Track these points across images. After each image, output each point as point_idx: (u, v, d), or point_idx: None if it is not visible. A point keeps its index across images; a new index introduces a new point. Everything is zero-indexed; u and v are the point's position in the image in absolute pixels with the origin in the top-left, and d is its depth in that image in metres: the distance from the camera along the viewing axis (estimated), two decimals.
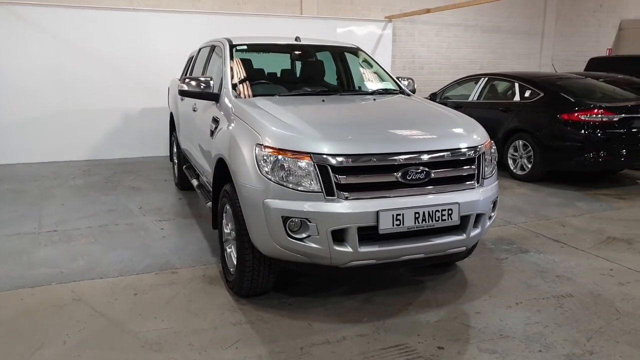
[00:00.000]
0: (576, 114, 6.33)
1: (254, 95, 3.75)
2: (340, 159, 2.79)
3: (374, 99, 3.92)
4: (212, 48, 4.79)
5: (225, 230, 3.52)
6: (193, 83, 3.90)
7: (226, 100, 3.75)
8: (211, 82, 3.90)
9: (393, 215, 2.80)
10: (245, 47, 4.33)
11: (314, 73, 4.41)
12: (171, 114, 6.33)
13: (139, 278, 3.71)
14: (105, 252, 4.20)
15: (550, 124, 6.59)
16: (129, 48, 8.25)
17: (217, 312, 3.19)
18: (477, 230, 3.13)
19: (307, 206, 2.77)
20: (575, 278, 3.74)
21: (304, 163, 2.79)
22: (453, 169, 3.02)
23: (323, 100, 3.83)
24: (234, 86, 3.85)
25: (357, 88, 4.40)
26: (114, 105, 8.38)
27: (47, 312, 3.19)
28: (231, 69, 4.00)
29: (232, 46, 4.25)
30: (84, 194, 6.07)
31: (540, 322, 3.08)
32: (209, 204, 4.15)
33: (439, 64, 11.00)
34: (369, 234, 2.83)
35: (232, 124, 3.40)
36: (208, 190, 4.44)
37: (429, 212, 2.88)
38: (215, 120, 3.76)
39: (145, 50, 8.34)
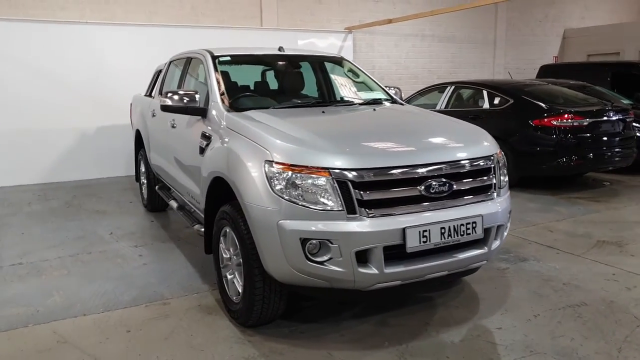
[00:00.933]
0: (547, 119, 6.45)
1: (246, 109, 3.50)
2: (361, 173, 2.60)
3: (374, 109, 3.77)
4: (188, 61, 4.50)
5: (225, 255, 3.24)
6: (176, 97, 3.62)
7: (216, 115, 3.49)
8: (197, 96, 3.62)
9: (420, 231, 2.63)
10: (228, 58, 4.08)
11: (301, 84, 4.22)
12: (137, 131, 5.94)
13: (127, 312, 3.35)
14: (82, 284, 3.80)
15: (521, 130, 6.69)
16: (81, 64, 7.74)
17: (224, 347, 2.91)
18: (497, 243, 3.02)
19: (328, 226, 2.56)
20: (582, 285, 3.71)
21: (322, 179, 2.58)
22: (473, 180, 2.90)
23: (323, 112, 3.64)
24: (223, 100, 3.59)
25: (348, 98, 4.23)
26: (67, 125, 7.82)
27: (33, 359, 2.80)
28: (217, 81, 3.74)
29: (214, 57, 3.99)
30: (45, 221, 5.56)
31: (565, 335, 3.00)
32: (197, 226, 3.86)
33: (399, 74, 11.07)
34: (392, 253, 2.65)
35: (229, 140, 3.14)
36: (192, 212, 4.15)
37: (454, 226, 2.74)
38: (206, 137, 3.48)
39: (99, 65, 7.86)
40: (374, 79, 4.42)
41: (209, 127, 3.49)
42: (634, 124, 7.27)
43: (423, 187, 2.70)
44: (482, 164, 2.95)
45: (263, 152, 2.77)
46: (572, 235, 4.87)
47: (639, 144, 7.22)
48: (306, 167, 2.61)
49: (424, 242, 2.65)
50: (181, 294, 3.63)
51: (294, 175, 2.61)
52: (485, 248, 2.93)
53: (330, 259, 2.58)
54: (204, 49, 4.18)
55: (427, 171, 2.73)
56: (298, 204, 2.59)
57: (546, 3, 13.04)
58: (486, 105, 7.30)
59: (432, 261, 2.74)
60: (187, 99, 3.61)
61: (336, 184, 2.58)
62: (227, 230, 3.13)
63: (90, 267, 4.16)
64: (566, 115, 6.41)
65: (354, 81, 4.36)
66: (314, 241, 2.57)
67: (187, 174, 3.98)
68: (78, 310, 3.39)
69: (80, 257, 4.42)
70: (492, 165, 3.01)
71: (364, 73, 4.44)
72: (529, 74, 12.27)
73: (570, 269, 4.01)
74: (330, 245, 2.56)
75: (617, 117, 6.83)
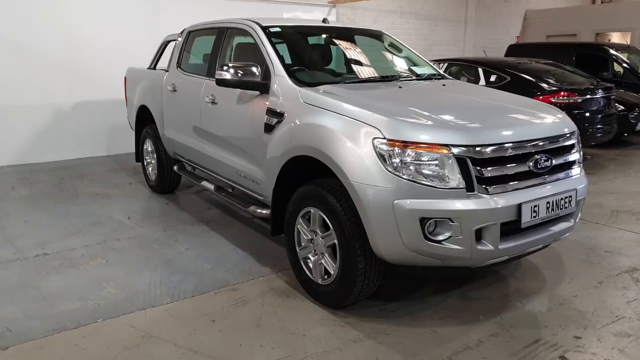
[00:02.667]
0: (544, 97, 6.67)
1: (316, 84, 3.35)
2: (480, 149, 2.57)
3: (443, 84, 3.72)
4: (222, 32, 4.23)
5: (305, 237, 3.12)
6: (235, 71, 3.40)
7: (285, 90, 3.31)
8: (257, 70, 3.42)
9: (531, 207, 2.66)
10: (278, 29, 3.87)
11: (354, 58, 4.08)
12: (141, 108, 5.55)
13: (199, 301, 3.17)
14: (130, 274, 3.55)
15: None
16: (56, 35, 7.09)
17: (325, 330, 2.82)
18: (579, 215, 3.11)
19: (449, 204, 2.51)
20: (623, 252, 3.92)
21: (442, 156, 2.53)
22: (566, 154, 2.95)
23: (400, 87, 3.54)
24: (290, 74, 3.41)
25: (405, 73, 4.10)
26: (41, 101, 7.18)
27: (124, 356, 2.58)
28: (278, 54, 3.55)
29: (264, 29, 3.77)
30: (44, 207, 5.12)
31: (638, 299, 3.16)
32: (252, 208, 3.71)
33: None
34: (503, 229, 2.65)
35: (314, 117, 2.99)
36: (241, 194, 3.95)
37: (556, 200, 2.78)
38: (276, 113, 3.30)
39: (75, 37, 7.23)
40: (417, 53, 4.36)
41: (279, 103, 3.31)
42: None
43: (532, 163, 2.71)
44: (570, 138, 3.01)
45: (370, 129, 2.66)
46: (587, 205, 5.11)
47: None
48: (424, 143, 2.54)
49: (534, 217, 2.68)
50: (245, 278, 3.48)
51: (411, 153, 2.54)
52: (572, 220, 3.01)
53: (450, 237, 2.54)
54: (247, 19, 3.95)
55: (534, 147, 2.75)
56: (416, 183, 2.52)
57: None
58: (482, 82, 7.43)
59: (535, 235, 2.78)
60: (247, 73, 3.40)
61: (455, 161, 2.53)
62: (312, 211, 3.01)
63: (128, 255, 3.89)
64: (562, 93, 6.67)
65: (398, 55, 4.27)
66: (434, 220, 2.52)
67: (238, 154, 3.78)
68: (143, 301, 3.16)
69: (110, 244, 4.11)
70: (576, 140, 3.07)
71: (407, 47, 4.37)
72: (495, 52, 12.64)
73: (603, 237, 4.23)
74: (451, 223, 2.52)
75: (602, 95, 7.19)
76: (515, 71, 7.18)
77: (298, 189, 3.16)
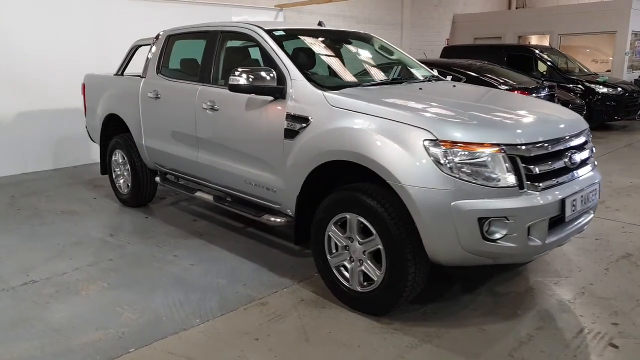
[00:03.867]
0: None
1: (335, 87, 3.28)
2: (528, 147, 2.64)
3: (454, 85, 3.78)
4: (216, 36, 4.02)
5: (341, 243, 3.04)
6: (248, 76, 3.26)
7: (306, 94, 3.22)
8: (272, 75, 3.30)
9: (571, 201, 2.77)
10: (282, 33, 3.75)
11: (358, 61, 4.04)
12: (109, 117, 5.16)
13: (232, 319, 2.99)
14: (142, 296, 3.28)
15: None
16: None
17: (377, 339, 2.77)
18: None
19: (505, 203, 2.56)
20: (610, 239, 4.21)
21: (495, 155, 2.57)
22: (587, 149, 3.11)
23: (420, 89, 3.55)
24: (308, 78, 3.32)
25: (411, 75, 4.10)
26: None
27: None
28: (290, 58, 3.44)
29: (269, 32, 3.65)
30: (5, 229, 4.60)
31: None
32: (266, 217, 3.58)
33: None
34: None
35: (349, 120, 2.92)
36: (254, 202, 3.75)
37: (587, 194, 2.93)
38: (299, 118, 3.19)
39: (12, 42, 6.59)
40: (408, 55, 4.41)
41: (301, 108, 3.20)
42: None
43: (567, 159, 2.83)
44: (588, 134, 3.18)
45: (419, 131, 2.65)
46: None
47: None
48: (477, 143, 2.57)
49: (573, 210, 2.80)
50: (268, 291, 3.33)
51: (465, 153, 2.56)
52: (592, 212, 3.18)
53: (505, 235, 2.58)
54: (247, 23, 3.80)
55: (567, 143, 2.87)
56: (472, 183, 2.55)
57: None
58: None
59: (570, 228, 2.90)
60: (262, 77, 3.27)
61: (508, 160, 2.58)
62: (348, 217, 2.94)
63: (129, 276, 3.59)
64: (516, 91, 7.07)
65: (393, 57, 4.29)
66: (491, 219, 2.56)
67: (248, 161, 3.61)
68: (170, 325, 2.93)
69: (103, 265, 3.78)
70: (590, 136, 3.25)
71: (398, 50, 4.41)
72: (430, 54, 13.16)
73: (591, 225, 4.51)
74: (507, 222, 2.56)
75: (547, 93, 7.73)
76: (469, 71, 7.52)
77: (328, 195, 3.08)
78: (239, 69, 3.32)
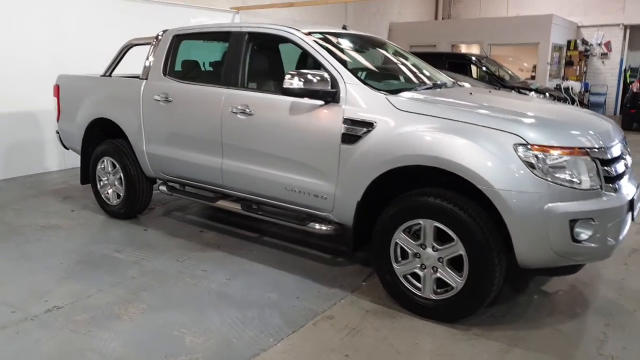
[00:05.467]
0: None
1: (392, 91, 3.23)
2: (605, 151, 2.77)
3: (490, 91, 3.85)
4: (241, 38, 3.80)
5: (409, 251, 3.00)
6: (304, 79, 3.14)
7: (367, 98, 3.15)
8: (328, 78, 3.19)
9: (634, 201, 2.93)
10: (320, 35, 3.63)
11: (393, 64, 4.01)
12: (94, 121, 4.71)
13: (307, 335, 2.84)
14: (194, 316, 3.01)
15: None
16: None
17: (466, 346, 2.75)
18: None
19: (591, 204, 2.66)
20: None
21: (583, 159, 2.66)
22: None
23: (471, 93, 3.57)
24: (364, 82, 3.24)
25: (439, 80, 4.08)
26: None
27: None
28: (340, 61, 3.34)
29: (309, 35, 3.53)
30: None
31: None
32: (311, 224, 3.45)
33: None
34: None
35: (425, 125, 2.89)
36: (293, 209, 3.59)
37: (637, 194, 3.10)
38: (359, 122, 3.10)
39: None
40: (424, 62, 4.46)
41: (362, 112, 3.11)
42: None
43: (624, 161, 3.00)
44: None
45: (509, 135, 2.68)
46: None
47: None
48: (567, 147, 2.65)
49: (636, 210, 2.97)
50: (327, 303, 3.20)
51: (556, 157, 2.63)
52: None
53: (590, 236, 2.68)
54: (281, 25, 3.66)
55: (622, 146, 3.04)
56: (563, 186, 2.62)
57: (379, 2, 14.32)
58: None
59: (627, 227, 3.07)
60: (319, 81, 3.16)
61: (593, 163, 2.69)
62: (422, 224, 2.91)
63: (166, 295, 3.28)
64: None
65: (413, 61, 4.30)
66: (579, 221, 2.64)
67: (291, 168, 3.44)
68: (244, 347, 2.71)
69: (129, 284, 3.42)
70: None
71: (412, 55, 4.44)
72: None
73: None
74: (592, 223, 2.66)
75: None
76: None
77: (396, 201, 3.02)
78: (293, 72, 3.18)
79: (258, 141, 3.60)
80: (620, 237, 2.86)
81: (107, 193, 4.81)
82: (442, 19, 17.97)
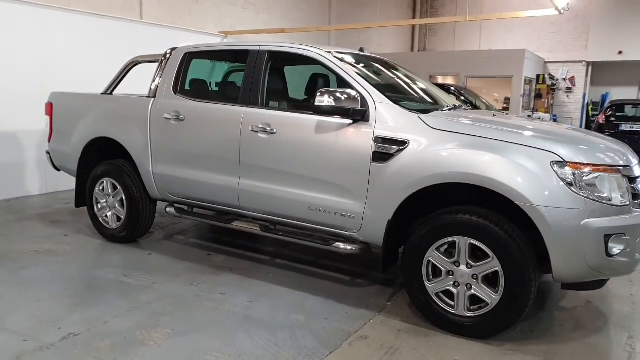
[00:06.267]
0: None
1: (420, 111, 3.28)
2: (631, 169, 2.87)
3: (494, 114, 3.94)
4: (260, 57, 3.78)
5: (442, 268, 2.99)
6: (336, 98, 3.16)
7: (398, 117, 3.19)
8: (358, 97, 3.22)
9: None
10: (343, 57, 3.67)
11: (413, 86, 4.07)
12: (93, 141, 4.56)
13: (346, 356, 2.77)
14: (224, 341, 2.88)
15: None
16: None
17: None
18: None
19: (624, 220, 2.74)
20: None
21: (616, 176, 2.75)
22: None
23: (494, 115, 3.66)
24: (395, 100, 3.28)
25: (452, 103, 4.16)
26: None
27: None
28: (367, 80, 3.38)
29: (333, 55, 3.57)
30: None
31: None
32: (337, 244, 3.41)
33: None
34: None
35: (461, 144, 2.93)
36: (316, 229, 3.54)
37: None
38: (391, 141, 3.12)
39: None
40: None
41: (394, 130, 3.14)
42: None
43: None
44: None
45: (546, 153, 2.75)
46: None
47: None
48: (602, 165, 2.74)
49: None
50: (357, 323, 3.14)
51: (591, 175, 2.70)
52: None
53: (622, 251, 2.75)
54: (304, 45, 3.70)
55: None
56: (598, 202, 2.69)
57: (360, 32, 14.65)
58: None
59: None
60: (350, 99, 3.18)
61: (623, 180, 2.78)
62: (457, 241, 2.92)
63: (188, 319, 3.14)
64: None
65: (423, 83, 4.38)
66: (613, 236, 2.71)
67: (317, 187, 3.41)
68: None
69: (145, 309, 3.26)
70: None
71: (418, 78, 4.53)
72: None
73: None
74: (624, 238, 2.73)
75: None
76: None
77: (429, 220, 3.03)
78: (323, 90, 3.19)
79: (280, 160, 3.56)
80: None
81: (106, 216, 4.62)
82: (418, 51, 18.56)
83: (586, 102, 15.76)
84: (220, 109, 3.88)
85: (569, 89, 15.43)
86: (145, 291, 3.54)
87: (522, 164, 2.76)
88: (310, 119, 3.43)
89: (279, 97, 3.94)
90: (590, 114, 15.85)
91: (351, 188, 3.28)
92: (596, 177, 2.72)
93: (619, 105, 12.68)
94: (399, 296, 3.58)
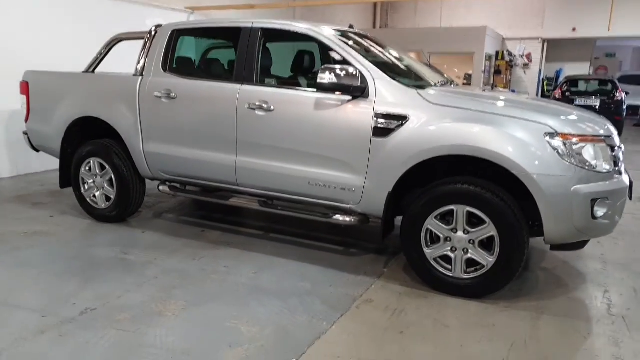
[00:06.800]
0: None
1: (415, 87, 3.43)
2: (612, 138, 3.14)
3: (483, 89, 4.15)
4: (254, 34, 3.84)
5: (441, 235, 3.21)
6: (337, 74, 3.28)
7: (397, 93, 3.33)
8: (358, 74, 3.34)
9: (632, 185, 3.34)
10: (340, 34, 3.77)
11: (400, 62, 4.20)
12: (76, 121, 4.50)
13: (356, 317, 2.95)
14: (240, 309, 3.01)
15: None
16: None
17: (503, 316, 3.00)
18: None
19: (607, 186, 3.01)
20: None
21: (603, 146, 3.01)
22: None
23: (484, 90, 3.84)
24: (391, 77, 3.42)
25: (438, 80, 4.27)
26: None
27: None
28: (366, 57, 3.50)
29: (329, 32, 3.67)
30: None
31: None
32: (337, 217, 3.58)
33: None
34: None
35: (459, 118, 3.11)
36: (315, 203, 3.68)
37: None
38: (391, 116, 3.27)
39: None
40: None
41: (395, 106, 3.28)
42: None
43: (621, 150, 3.40)
44: None
45: (539, 125, 2.97)
46: None
47: None
48: (590, 136, 3.00)
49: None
50: (360, 289, 3.33)
51: (580, 144, 2.95)
52: None
53: (604, 214, 3.03)
54: (299, 22, 3.77)
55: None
56: (586, 169, 2.95)
57: (325, 8, 14.61)
58: None
59: None
60: (350, 76, 3.30)
61: (608, 149, 3.04)
62: (455, 209, 3.13)
63: (198, 292, 3.23)
64: None
65: (409, 61, 4.53)
66: (598, 200, 2.98)
67: (316, 162, 3.53)
68: (302, 332, 2.77)
69: (154, 283, 3.33)
70: None
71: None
72: None
73: None
74: (607, 202, 3.01)
75: None
76: None
77: (427, 190, 3.22)
78: (325, 67, 3.29)
79: (279, 137, 3.65)
80: (621, 215, 3.25)
81: (94, 196, 4.59)
82: (380, 27, 18.68)
83: (542, 77, 16.41)
84: (214, 87, 3.91)
85: (525, 65, 16.02)
86: (149, 267, 3.60)
87: (518, 136, 2.98)
88: (309, 96, 3.53)
89: (276, 74, 4.00)
90: (546, 89, 16.54)
91: (351, 162, 3.43)
92: (583, 147, 2.97)
93: (573, 81, 13.30)
94: (393, 263, 3.79)
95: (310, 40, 3.72)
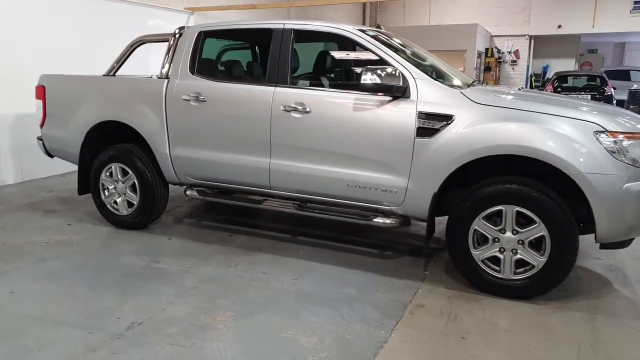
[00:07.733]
0: None
1: (457, 87, 3.40)
2: None
3: (520, 88, 4.14)
4: (286, 35, 3.76)
5: (489, 236, 3.17)
6: (382, 75, 3.23)
7: (440, 93, 3.30)
8: (399, 74, 3.29)
9: None
10: (374, 35, 3.71)
11: (437, 64, 4.15)
12: (97, 125, 4.36)
13: (413, 324, 2.89)
14: (292, 319, 2.93)
15: None
16: None
17: (560, 317, 2.98)
18: None
19: None
20: None
21: None
22: None
23: (520, 88, 3.82)
24: (432, 77, 3.38)
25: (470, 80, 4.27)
26: None
27: None
28: (406, 58, 3.46)
29: (366, 33, 3.63)
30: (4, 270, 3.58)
31: None
32: (378, 219, 3.54)
33: None
34: None
35: (508, 117, 3.08)
36: (354, 205, 3.62)
37: None
38: (436, 116, 3.23)
39: None
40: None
41: (439, 106, 3.23)
42: None
43: None
44: None
45: (589, 124, 2.96)
46: None
47: None
48: (637, 133, 2.99)
49: None
50: (408, 294, 3.28)
51: (632, 142, 2.94)
52: None
53: None
54: (335, 24, 3.73)
55: None
56: (636, 167, 2.94)
57: (316, 8, 14.52)
58: None
59: None
60: (392, 76, 3.26)
61: None
62: (504, 210, 3.10)
63: (244, 301, 3.14)
64: None
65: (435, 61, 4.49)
66: None
67: (356, 164, 3.47)
68: (361, 341, 2.71)
69: (194, 293, 3.22)
70: None
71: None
72: None
73: None
74: None
75: None
76: None
77: (473, 191, 3.18)
78: (368, 68, 3.24)
79: (316, 139, 3.58)
80: None
81: (115, 202, 4.45)
82: (370, 27, 18.67)
83: (529, 74, 16.61)
84: (247, 89, 3.81)
85: (514, 62, 16.20)
86: (186, 276, 3.50)
87: (568, 135, 2.96)
88: (347, 97, 3.47)
89: (311, 75, 3.93)
90: (533, 85, 16.75)
91: (393, 164, 3.37)
92: (631, 144, 2.96)
93: (562, 77, 13.50)
94: (433, 265, 3.75)
95: (346, 42, 3.65)
